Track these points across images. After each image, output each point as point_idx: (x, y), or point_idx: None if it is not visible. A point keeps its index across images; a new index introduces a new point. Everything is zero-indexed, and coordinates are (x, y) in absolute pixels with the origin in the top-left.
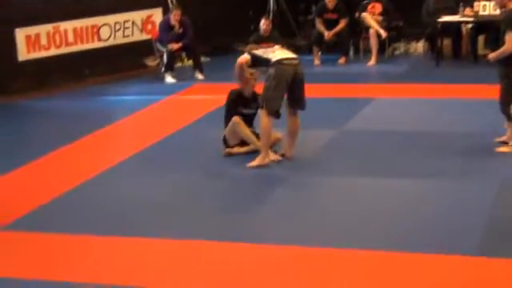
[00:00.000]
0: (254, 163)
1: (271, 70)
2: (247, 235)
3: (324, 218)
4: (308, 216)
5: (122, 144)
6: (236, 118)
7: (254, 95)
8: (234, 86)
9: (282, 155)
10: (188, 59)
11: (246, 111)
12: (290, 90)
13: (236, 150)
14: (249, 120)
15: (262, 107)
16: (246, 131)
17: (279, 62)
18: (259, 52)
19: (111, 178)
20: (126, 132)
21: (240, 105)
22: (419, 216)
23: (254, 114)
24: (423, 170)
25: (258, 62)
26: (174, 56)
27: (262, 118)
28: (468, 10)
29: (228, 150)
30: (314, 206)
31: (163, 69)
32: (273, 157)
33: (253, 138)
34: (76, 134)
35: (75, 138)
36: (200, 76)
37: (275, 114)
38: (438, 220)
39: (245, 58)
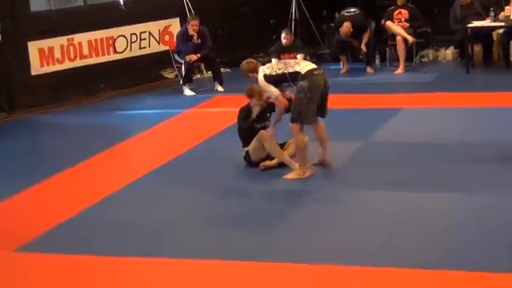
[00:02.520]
0: (292, 176)
1: (303, 83)
2: (267, 253)
3: (350, 234)
4: (332, 232)
5: (139, 160)
6: (264, 134)
7: (263, 108)
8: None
9: (320, 164)
10: (207, 70)
11: (259, 125)
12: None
13: (270, 163)
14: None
15: (294, 121)
16: (273, 147)
17: (311, 72)
18: (278, 68)
19: (129, 196)
20: (143, 147)
21: (252, 120)
22: (450, 231)
23: (266, 126)
24: (454, 182)
25: (278, 80)
26: (192, 67)
27: (296, 132)
28: (501, 15)
29: (263, 163)
30: (339, 221)
31: (181, 81)
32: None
33: (281, 154)
34: (91, 150)
35: (91, 154)
36: (220, 88)
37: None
38: (469, 235)
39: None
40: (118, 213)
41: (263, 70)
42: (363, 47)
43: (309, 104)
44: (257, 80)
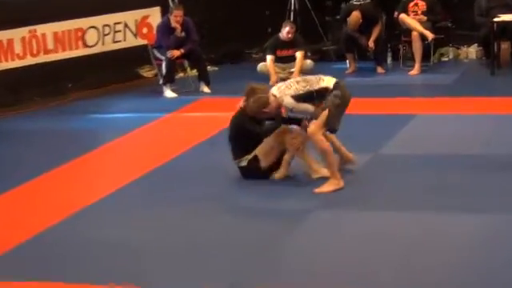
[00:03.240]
0: (328, 188)
1: (336, 92)
2: (258, 283)
3: (352, 262)
4: (332, 260)
5: (113, 171)
6: (286, 127)
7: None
8: None
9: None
10: (192, 69)
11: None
12: None
13: (280, 173)
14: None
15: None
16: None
17: (338, 83)
18: (302, 86)
19: (101, 212)
20: (118, 157)
21: (255, 125)
22: (475, 262)
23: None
24: (479, 202)
25: (305, 98)
26: (174, 65)
27: (318, 137)
28: None
29: (277, 174)
30: (344, 248)
31: (162, 80)
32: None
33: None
34: (57, 160)
35: (56, 164)
36: (206, 89)
37: (333, 131)
38: (500, 267)
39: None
40: (88, 232)
41: (284, 94)
42: (371, 43)
43: (337, 110)
44: (272, 112)
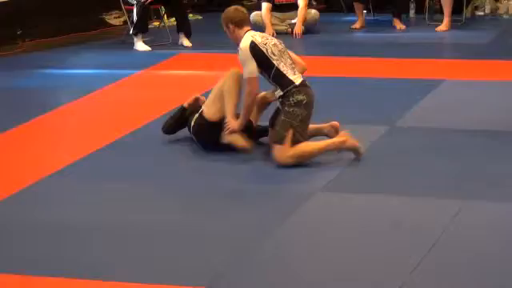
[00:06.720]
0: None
1: (298, 97)
2: (239, 283)
3: (359, 257)
4: (337, 255)
5: (68, 140)
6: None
7: None
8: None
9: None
10: (169, 17)
11: None
12: None
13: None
14: None
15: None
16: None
17: (305, 84)
18: (272, 50)
19: (52, 190)
20: (73, 123)
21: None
22: (503, 259)
23: None
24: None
25: (262, 63)
26: (148, 11)
27: (286, 160)
28: None
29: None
30: (346, 238)
31: (132, 30)
32: None
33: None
34: (1, 124)
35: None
36: (186, 42)
37: None
38: None
39: None
40: (35, 213)
41: (252, 36)
42: None
43: (302, 125)
44: (235, 39)
